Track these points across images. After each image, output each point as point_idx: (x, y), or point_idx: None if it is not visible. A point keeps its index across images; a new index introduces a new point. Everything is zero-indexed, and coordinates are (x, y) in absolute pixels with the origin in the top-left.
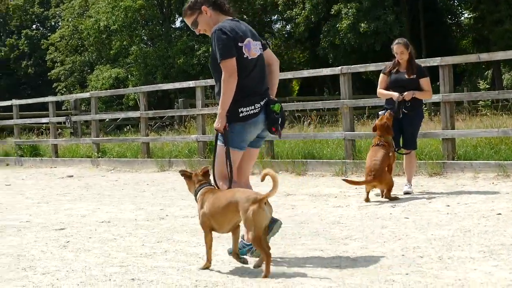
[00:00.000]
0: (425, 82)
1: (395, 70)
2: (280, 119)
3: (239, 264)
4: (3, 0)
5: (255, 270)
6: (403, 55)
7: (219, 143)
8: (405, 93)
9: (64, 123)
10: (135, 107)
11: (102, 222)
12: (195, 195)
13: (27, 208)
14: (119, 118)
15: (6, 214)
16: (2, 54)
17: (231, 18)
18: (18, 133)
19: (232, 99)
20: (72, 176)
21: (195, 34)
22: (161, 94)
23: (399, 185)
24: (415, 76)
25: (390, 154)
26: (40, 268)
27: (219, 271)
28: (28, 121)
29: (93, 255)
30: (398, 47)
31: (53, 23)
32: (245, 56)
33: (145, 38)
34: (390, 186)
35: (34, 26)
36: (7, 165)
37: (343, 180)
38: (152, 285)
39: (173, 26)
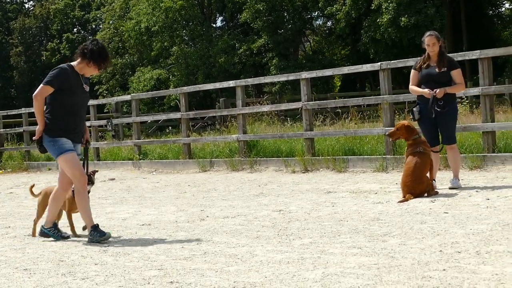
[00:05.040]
0: (456, 74)
1: (425, 65)
2: None
3: (278, 265)
4: (44, 4)
5: (292, 270)
6: (434, 47)
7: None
8: (437, 91)
9: (106, 126)
10: (177, 108)
11: (143, 225)
12: None
13: None
14: (160, 120)
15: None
16: (44, 58)
17: None
18: None
19: None
20: (114, 179)
21: (235, 33)
22: (203, 94)
23: (441, 179)
24: (445, 69)
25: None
26: (80, 273)
27: (257, 272)
28: None
29: (132, 258)
30: (430, 39)
31: (94, 26)
32: None
33: (186, 38)
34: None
35: (75, 29)
36: (49, 169)
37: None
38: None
39: (214, 26)
